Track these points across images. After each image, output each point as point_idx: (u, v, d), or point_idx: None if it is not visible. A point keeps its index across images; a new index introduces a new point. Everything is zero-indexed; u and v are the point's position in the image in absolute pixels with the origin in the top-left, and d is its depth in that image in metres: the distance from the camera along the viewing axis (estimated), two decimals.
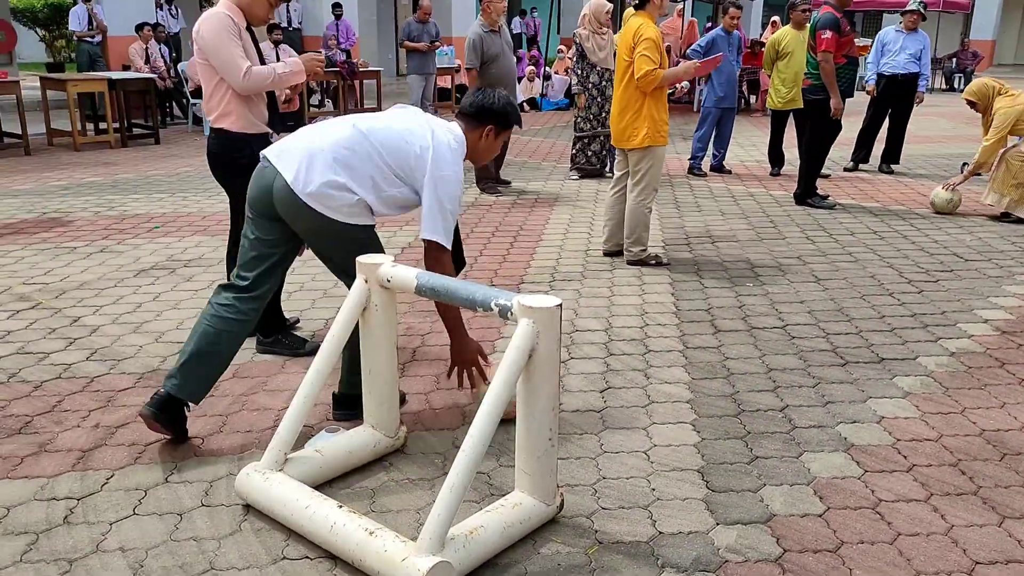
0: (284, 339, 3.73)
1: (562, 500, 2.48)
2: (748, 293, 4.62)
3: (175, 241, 5.58)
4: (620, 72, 5.01)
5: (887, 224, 6.33)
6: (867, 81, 8.62)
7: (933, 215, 6.64)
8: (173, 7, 13.99)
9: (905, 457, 2.87)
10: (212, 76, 3.42)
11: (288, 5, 14.13)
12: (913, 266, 5.19)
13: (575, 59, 7.72)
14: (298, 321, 4.10)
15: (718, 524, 2.47)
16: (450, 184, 2.76)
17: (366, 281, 2.63)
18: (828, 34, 6.49)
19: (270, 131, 3.60)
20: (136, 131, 10.38)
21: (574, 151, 8.09)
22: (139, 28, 11.48)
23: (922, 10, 8.22)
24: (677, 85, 14.58)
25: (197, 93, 11.00)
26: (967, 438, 3.01)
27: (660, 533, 2.43)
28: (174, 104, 12.23)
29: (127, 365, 3.56)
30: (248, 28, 3.51)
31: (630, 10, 5.07)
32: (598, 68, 7.63)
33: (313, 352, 3.59)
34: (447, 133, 2.83)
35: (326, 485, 2.63)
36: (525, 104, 14.60)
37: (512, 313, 2.29)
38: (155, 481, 2.67)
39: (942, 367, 3.63)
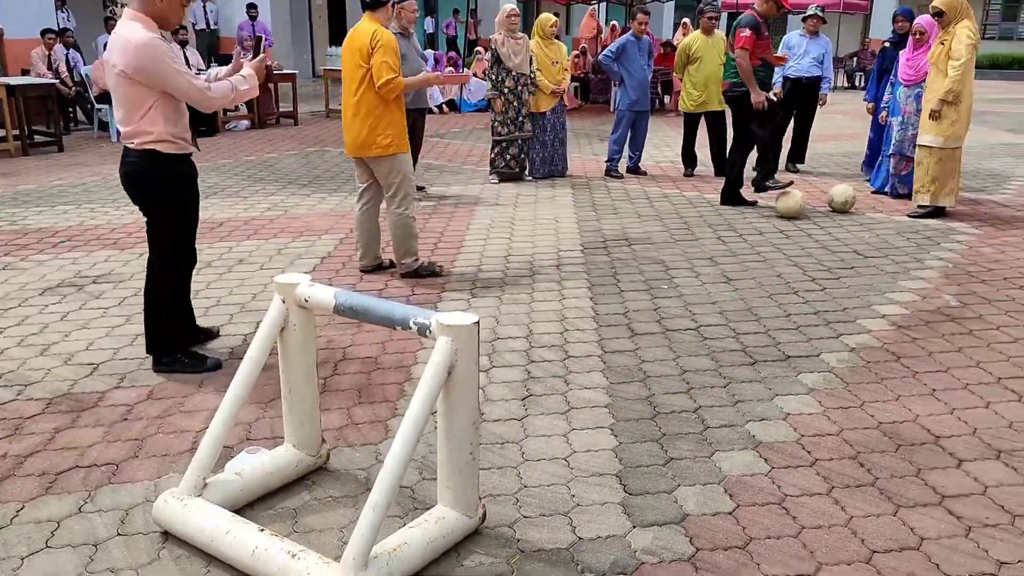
0: (184, 357, 3.67)
1: (484, 511, 2.53)
2: (663, 296, 4.77)
3: (82, 256, 5.40)
4: (354, 79, 4.70)
5: (793, 223, 6.60)
6: (774, 83, 8.94)
7: (835, 214, 6.95)
8: (66, 9, 13.47)
9: (809, 452, 3.03)
10: (143, 98, 3.32)
11: (205, 5, 13.77)
12: (817, 264, 5.44)
13: (491, 64, 7.78)
14: (218, 333, 4.06)
15: (635, 527, 2.57)
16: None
17: (283, 301, 2.63)
18: (747, 32, 6.79)
19: (196, 149, 3.59)
20: (38, 138, 9.96)
21: (492, 155, 8.16)
22: (43, 33, 11.00)
23: (820, 14, 8.57)
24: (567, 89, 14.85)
25: (102, 98, 10.63)
26: (865, 431, 3.19)
27: (580, 539, 2.51)
28: (78, 109, 11.77)
29: (34, 390, 3.45)
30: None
31: (367, 13, 4.76)
32: (513, 73, 7.72)
33: (215, 367, 3.61)
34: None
35: (247, 508, 2.61)
36: (444, 106, 14.61)
37: (431, 331, 2.33)
38: (68, 511, 2.60)
39: (843, 363, 3.83)
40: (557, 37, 8.45)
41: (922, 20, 7.01)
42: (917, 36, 7.03)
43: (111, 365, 3.71)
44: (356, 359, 3.83)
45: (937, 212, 6.73)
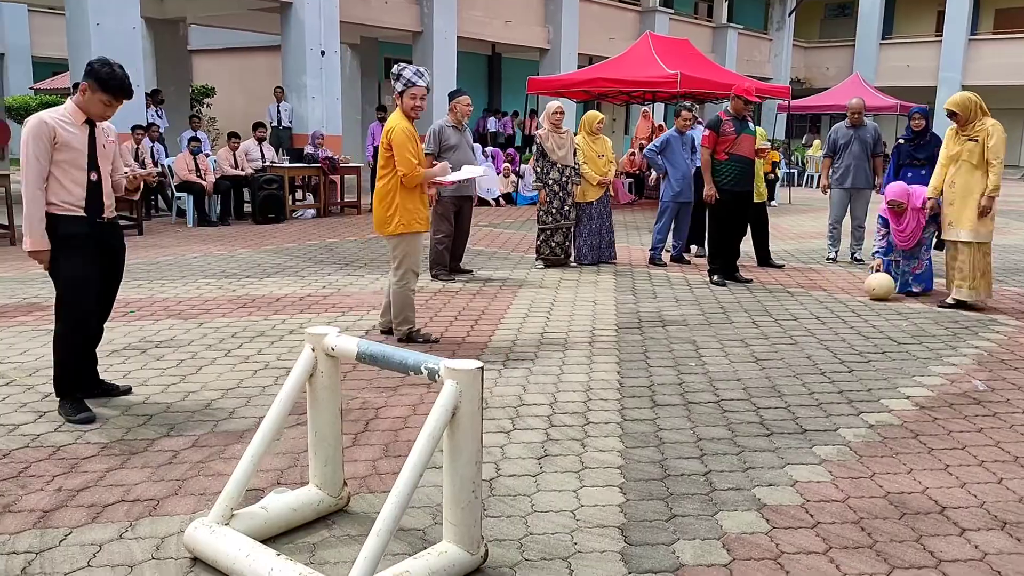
0: (68, 402, 3.99)
1: (487, 550, 2.69)
2: (689, 372, 4.91)
3: (149, 324, 5.83)
4: (380, 166, 5.31)
5: (830, 310, 6.68)
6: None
7: (873, 302, 7.00)
8: (160, 109, 14.63)
9: (811, 516, 3.11)
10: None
11: (279, 105, 14.81)
12: (848, 348, 5.51)
13: (536, 157, 8.22)
14: (129, 391, 4.36)
15: (630, 573, 2.68)
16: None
17: (313, 350, 2.90)
18: (706, 132, 7.69)
19: (85, 214, 3.94)
20: (122, 222, 10.72)
21: (538, 242, 8.50)
22: (133, 129, 11.99)
23: (690, 109, 9.12)
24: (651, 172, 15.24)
25: (181, 187, 11.46)
26: (872, 499, 3.25)
27: None
28: (159, 197, 12.66)
29: (92, 435, 3.76)
30: (91, 123, 3.97)
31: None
32: (558, 165, 8.15)
33: (86, 421, 3.91)
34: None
35: (270, 540, 2.82)
36: (501, 199, 15.18)
37: (439, 375, 2.56)
38: (110, 537, 2.86)
39: (859, 438, 3.90)
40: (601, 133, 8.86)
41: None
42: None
43: (163, 417, 4.02)
44: (387, 418, 4.06)
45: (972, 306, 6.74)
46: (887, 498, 3.27)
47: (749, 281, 7.81)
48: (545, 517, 3.06)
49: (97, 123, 4.01)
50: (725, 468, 3.52)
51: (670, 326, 6.07)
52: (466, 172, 6.21)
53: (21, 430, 3.82)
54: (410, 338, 5.44)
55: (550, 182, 8.19)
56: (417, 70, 5.24)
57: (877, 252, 7.40)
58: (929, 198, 6.86)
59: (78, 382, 4.08)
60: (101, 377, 4.33)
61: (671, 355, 5.27)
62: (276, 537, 2.85)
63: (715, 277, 7.78)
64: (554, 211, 8.29)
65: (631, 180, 16.78)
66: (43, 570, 2.64)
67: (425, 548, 2.79)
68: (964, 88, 29.92)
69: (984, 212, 6.44)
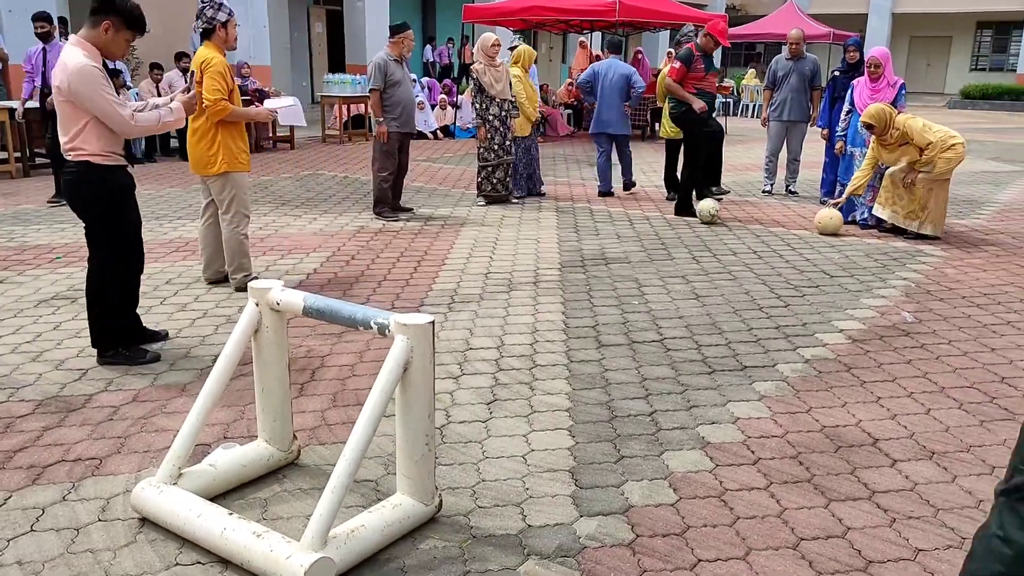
0: (125, 351, 3.94)
1: (440, 500, 2.72)
2: (633, 310, 4.97)
3: (78, 271, 5.61)
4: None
5: (766, 244, 6.82)
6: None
7: (809, 236, 7.17)
8: (70, 37, 13.82)
9: (752, 452, 3.22)
10: (78, 117, 3.67)
11: None
12: (784, 282, 5.65)
13: (474, 93, 8.05)
14: (167, 335, 4.30)
15: (581, 516, 2.75)
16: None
17: (257, 304, 2.83)
18: (677, 64, 7.72)
19: (127, 163, 3.90)
20: (39, 160, 10.22)
21: (479, 179, 8.41)
22: None
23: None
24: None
25: None
26: (809, 434, 3.38)
27: (529, 526, 2.69)
28: None
29: (26, 392, 3.64)
30: (106, 67, 3.78)
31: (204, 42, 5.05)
32: (497, 100, 8.00)
33: (154, 360, 3.96)
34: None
35: (221, 497, 2.80)
36: (439, 131, 14.91)
37: (389, 330, 2.53)
38: (52, 500, 2.79)
39: (796, 373, 4.03)
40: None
41: (875, 52, 7.31)
42: (872, 69, 7.28)
43: (99, 371, 3.90)
44: (333, 367, 4.02)
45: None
46: (823, 432, 3.40)
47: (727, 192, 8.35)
48: (497, 463, 3.10)
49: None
50: (670, 407, 3.60)
51: (612, 264, 6.12)
52: (277, 104, 6.04)
53: None
54: (246, 287, 5.26)
55: (490, 117, 8.05)
56: None
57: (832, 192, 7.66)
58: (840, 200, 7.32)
59: (130, 330, 4.06)
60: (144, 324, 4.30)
61: (614, 294, 5.32)
62: (226, 493, 2.83)
63: (713, 188, 8.04)
64: (495, 147, 8.18)
65: (569, 112, 16.65)
66: None
67: (378, 499, 2.81)
68: (894, 16, 30.39)
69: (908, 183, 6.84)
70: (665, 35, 25.35)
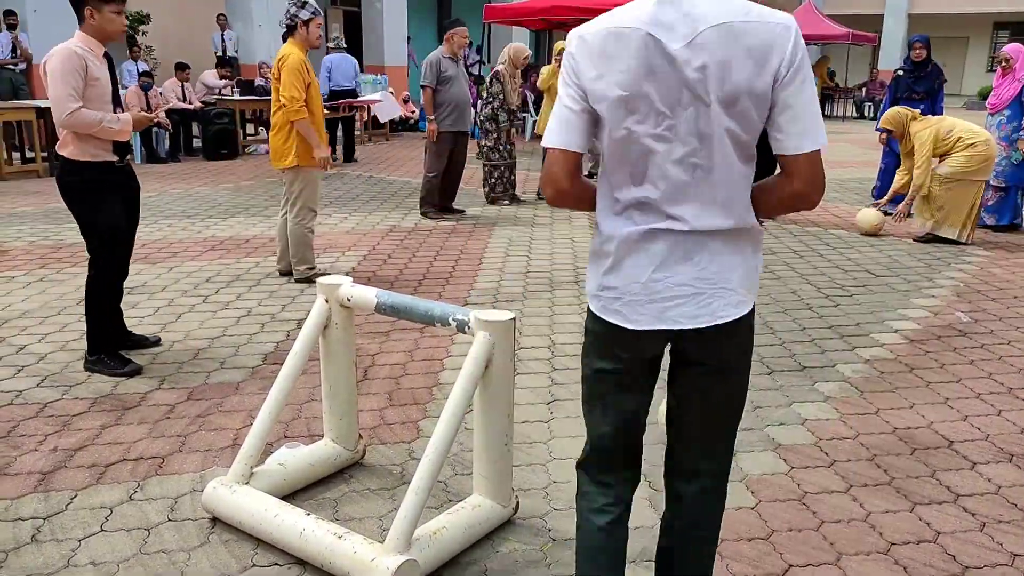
0: (107, 359, 3.81)
1: (517, 502, 2.65)
2: None
3: None
4: (275, 94, 5.11)
5: (805, 244, 6.73)
6: None
7: (847, 235, 7.07)
8: None
9: (827, 454, 3.14)
10: None
11: (223, 34, 14.13)
12: (830, 282, 5.56)
13: (494, 95, 7.99)
14: (158, 341, 4.18)
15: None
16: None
17: (326, 300, 2.77)
18: None
19: (116, 158, 3.75)
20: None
21: (492, 180, 8.34)
22: None
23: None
24: None
25: None
26: (881, 436, 3.30)
27: None
28: None
29: (79, 390, 3.59)
30: (109, 57, 3.73)
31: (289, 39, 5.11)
32: (508, 107, 8.01)
33: (134, 373, 3.75)
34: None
35: (290, 497, 2.73)
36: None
37: (469, 327, 2.47)
38: (119, 499, 2.73)
39: (858, 373, 3.94)
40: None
41: (1009, 48, 7.08)
42: (1004, 64, 7.02)
43: (150, 368, 3.85)
44: (385, 365, 3.96)
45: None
46: (896, 434, 3.32)
47: None
48: (565, 464, 3.02)
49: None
50: None
51: None
52: (369, 99, 5.99)
53: (1, 386, 3.62)
54: (309, 280, 5.26)
55: (509, 120, 8.07)
56: None
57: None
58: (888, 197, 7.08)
59: (114, 335, 3.91)
60: (129, 328, 4.15)
61: None
62: (295, 493, 2.76)
63: None
64: (500, 147, 8.18)
65: None
66: (54, 536, 2.51)
67: (449, 500, 2.74)
68: (909, 16, 30.20)
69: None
70: None
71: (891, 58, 28.25)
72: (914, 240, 6.81)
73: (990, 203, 7.21)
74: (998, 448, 3.20)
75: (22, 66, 11.75)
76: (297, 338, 2.75)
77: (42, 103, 9.88)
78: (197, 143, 12.00)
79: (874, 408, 3.56)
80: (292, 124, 5.01)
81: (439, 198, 7.59)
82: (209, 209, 7.77)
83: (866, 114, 21.98)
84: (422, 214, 7.55)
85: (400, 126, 15.42)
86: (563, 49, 7.14)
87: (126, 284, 5.16)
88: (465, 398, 2.38)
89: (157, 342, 4.16)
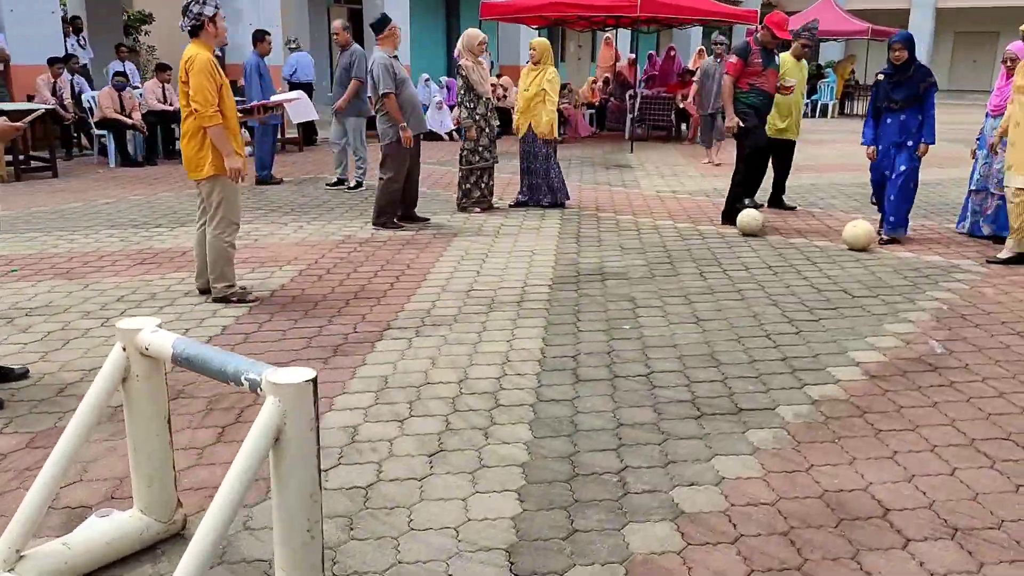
0: None
1: None
2: (622, 337, 4.43)
3: (29, 286, 5.22)
4: (183, 99, 4.68)
5: (784, 258, 6.21)
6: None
7: (833, 248, 6.54)
8: (82, 37, 13.57)
9: (735, 526, 2.66)
10: None
11: None
12: (798, 304, 5.05)
13: (463, 91, 7.52)
14: (27, 373, 3.81)
15: None
16: None
17: (124, 348, 2.36)
18: (733, 58, 7.08)
19: None
20: (35, 163, 9.95)
21: (467, 186, 7.87)
22: (51, 62, 11.04)
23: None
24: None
25: (102, 124, 10.63)
26: (806, 501, 2.82)
27: None
28: (82, 135, 11.80)
29: None
30: None
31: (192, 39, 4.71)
32: (483, 99, 7.51)
33: (22, 376, 3.55)
34: None
35: None
36: (455, 133, 14.39)
37: (261, 389, 2.04)
38: None
39: (800, 417, 3.45)
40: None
41: (1015, 47, 6.46)
42: (1008, 64, 6.45)
43: (8, 406, 3.47)
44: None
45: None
46: (823, 498, 2.83)
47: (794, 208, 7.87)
48: (422, 538, 2.58)
49: None
50: (644, 463, 3.06)
51: (610, 280, 5.57)
52: (280, 99, 5.62)
53: None
54: (225, 298, 4.90)
55: (477, 116, 7.56)
56: None
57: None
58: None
59: None
60: None
61: (605, 316, 4.78)
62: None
63: (746, 200, 7.36)
64: (480, 148, 7.69)
65: (592, 112, 16.08)
66: None
67: None
68: (937, 11, 29.25)
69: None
70: (698, 32, 24.62)
71: (917, 55, 27.33)
72: (987, 262, 6.07)
73: (989, 212, 6.65)
74: (941, 520, 2.71)
75: None
76: (86, 394, 2.35)
77: (7, 106, 9.63)
78: (179, 144, 11.70)
79: (807, 464, 3.07)
80: (205, 130, 4.62)
81: (399, 207, 7.18)
82: (160, 218, 7.42)
83: None
84: (380, 225, 7.09)
85: None
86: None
87: (24, 304, 4.84)
88: (244, 477, 1.95)
89: (24, 374, 3.79)
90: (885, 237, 6.67)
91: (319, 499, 2.12)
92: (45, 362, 3.98)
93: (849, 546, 2.56)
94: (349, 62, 8.98)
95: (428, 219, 7.41)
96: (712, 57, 11.31)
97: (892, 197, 6.58)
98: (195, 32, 4.65)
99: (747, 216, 6.97)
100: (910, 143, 6.46)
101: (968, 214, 6.94)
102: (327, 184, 9.28)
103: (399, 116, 6.82)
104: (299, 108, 12.22)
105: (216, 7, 4.63)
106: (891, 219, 6.65)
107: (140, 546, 2.47)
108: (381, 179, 7.08)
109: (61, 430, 3.15)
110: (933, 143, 6.48)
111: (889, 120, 6.55)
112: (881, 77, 6.66)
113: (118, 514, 2.51)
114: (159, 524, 2.50)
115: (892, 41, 6.57)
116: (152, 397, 2.40)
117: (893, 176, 6.55)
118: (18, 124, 3.74)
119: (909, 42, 6.50)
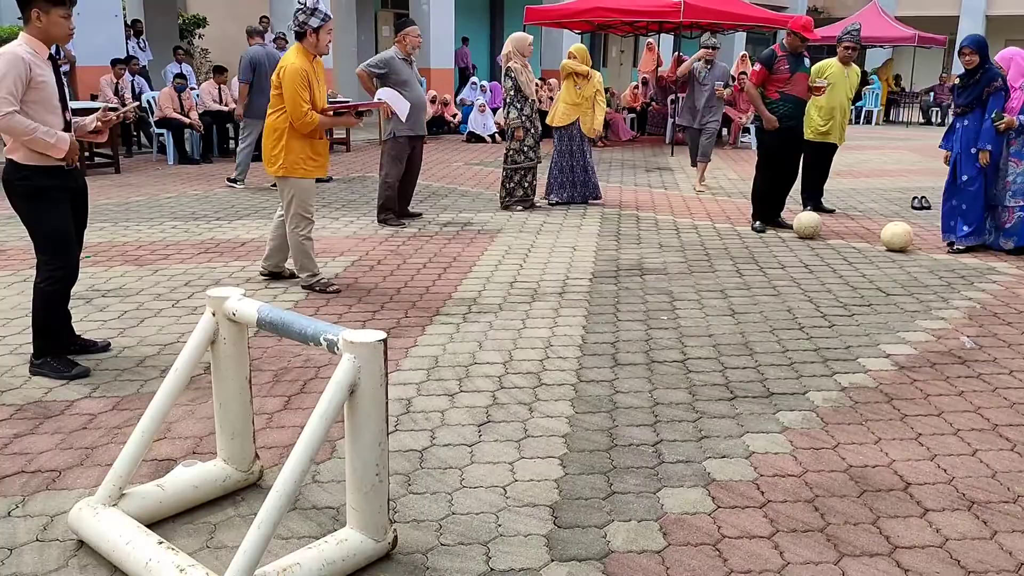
0: (53, 361, 3.77)
1: (395, 536, 2.47)
2: (659, 326, 4.63)
3: (101, 271, 5.59)
4: (275, 100, 5.00)
5: (820, 258, 6.36)
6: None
7: (870, 249, 6.66)
8: (142, 40, 14.14)
9: (762, 493, 2.87)
10: None
11: (264, 36, 14.27)
12: (832, 300, 5.21)
13: (512, 92, 7.78)
14: (108, 346, 4.13)
15: (552, 561, 2.46)
16: None
17: (213, 314, 2.64)
18: (757, 66, 7.20)
19: (66, 163, 3.69)
20: (98, 160, 10.44)
21: (511, 185, 8.13)
22: (114, 64, 11.58)
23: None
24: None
25: (161, 123, 11.10)
26: (831, 474, 3.01)
27: (491, 570, 2.42)
28: (142, 134, 12.31)
29: (9, 396, 3.55)
30: (53, 59, 3.68)
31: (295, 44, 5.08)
32: (530, 100, 7.76)
33: (82, 375, 3.74)
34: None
35: (170, 520, 2.62)
36: (497, 135, 14.69)
37: (338, 348, 2.30)
38: None
39: (828, 402, 3.64)
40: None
41: (998, 56, 6.49)
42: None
43: (92, 374, 3.80)
44: (328, 379, 3.81)
45: None
46: (848, 472, 3.02)
47: (790, 227, 7.25)
48: (473, 494, 2.83)
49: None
50: (678, 437, 3.27)
51: (648, 275, 5.77)
52: (385, 97, 5.96)
53: None
54: (311, 287, 5.21)
55: (523, 119, 7.84)
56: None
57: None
58: None
59: (61, 339, 3.89)
60: (77, 333, 4.13)
61: (643, 307, 4.99)
62: (176, 516, 2.64)
63: (756, 223, 7.34)
64: (526, 148, 7.96)
65: (633, 116, 16.25)
66: None
67: (335, 530, 2.58)
68: (987, 18, 28.82)
69: None
70: (742, 36, 24.63)
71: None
72: (926, 253, 6.27)
73: (1007, 225, 6.53)
74: (959, 494, 2.88)
75: (65, 68, 12.07)
76: (180, 354, 2.63)
77: (73, 104, 10.12)
78: (232, 144, 12.14)
79: (833, 442, 3.26)
80: (284, 130, 4.96)
81: (397, 204, 7.42)
82: (220, 211, 7.80)
83: (932, 120, 21.00)
84: (381, 221, 7.34)
85: (439, 129, 15.34)
86: (571, 70, 6.81)
87: (100, 286, 5.19)
88: (323, 425, 2.21)
89: (107, 347, 4.12)
90: (961, 247, 6.53)
91: (387, 447, 2.37)
92: (124, 337, 4.31)
93: (870, 513, 2.75)
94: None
95: (420, 214, 7.68)
96: (702, 62, 9.73)
97: (954, 203, 6.57)
98: (299, 38, 5.00)
99: (806, 217, 7.10)
100: (973, 150, 6.38)
101: (964, 227, 6.56)
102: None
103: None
104: (398, 103, 12.60)
105: (323, 19, 4.91)
106: (964, 228, 6.50)
107: (222, 492, 2.75)
108: (381, 179, 7.36)
109: (144, 395, 3.49)
110: (988, 149, 6.30)
111: (959, 125, 6.57)
112: (957, 82, 6.66)
113: (202, 464, 2.79)
114: (239, 473, 2.78)
115: (962, 46, 6.40)
116: (237, 359, 2.68)
117: (957, 183, 6.54)
118: (92, 135, 4.03)
119: (978, 45, 6.35)
